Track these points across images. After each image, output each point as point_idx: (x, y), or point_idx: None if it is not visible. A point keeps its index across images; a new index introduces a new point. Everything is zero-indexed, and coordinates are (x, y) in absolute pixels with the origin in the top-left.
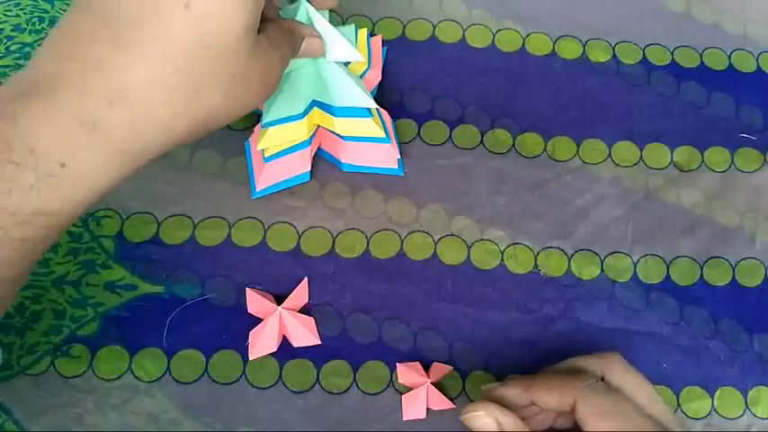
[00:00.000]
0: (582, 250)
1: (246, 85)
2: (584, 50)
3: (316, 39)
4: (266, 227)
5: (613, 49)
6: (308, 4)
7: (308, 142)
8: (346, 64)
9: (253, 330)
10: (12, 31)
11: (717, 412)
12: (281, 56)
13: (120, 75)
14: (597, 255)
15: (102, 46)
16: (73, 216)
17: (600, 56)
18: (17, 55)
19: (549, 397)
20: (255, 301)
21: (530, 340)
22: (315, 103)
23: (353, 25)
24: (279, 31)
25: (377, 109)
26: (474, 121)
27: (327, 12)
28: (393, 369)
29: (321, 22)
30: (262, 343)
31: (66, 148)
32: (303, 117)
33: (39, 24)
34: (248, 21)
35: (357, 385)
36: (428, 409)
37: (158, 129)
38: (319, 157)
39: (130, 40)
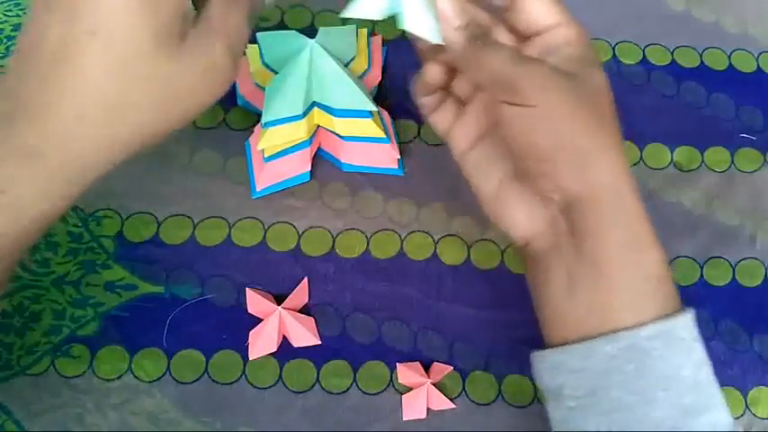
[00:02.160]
0: None
1: (177, 91)
2: None
3: None
4: (266, 227)
5: (613, 49)
6: None
7: (308, 142)
8: (347, 65)
9: (253, 330)
10: (12, 31)
11: None
12: (224, 44)
13: (49, 109)
14: None
15: (30, 84)
16: (22, 241)
17: (600, 56)
18: None
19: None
20: (255, 301)
21: (530, 340)
22: (315, 104)
23: (354, 25)
24: (219, 7)
25: (377, 110)
26: None
27: None
28: (393, 369)
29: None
30: (262, 343)
31: (4, 177)
32: (303, 117)
33: None
34: (156, 26)
35: (357, 385)
36: (428, 409)
37: (93, 152)
38: (319, 157)
39: (52, 76)
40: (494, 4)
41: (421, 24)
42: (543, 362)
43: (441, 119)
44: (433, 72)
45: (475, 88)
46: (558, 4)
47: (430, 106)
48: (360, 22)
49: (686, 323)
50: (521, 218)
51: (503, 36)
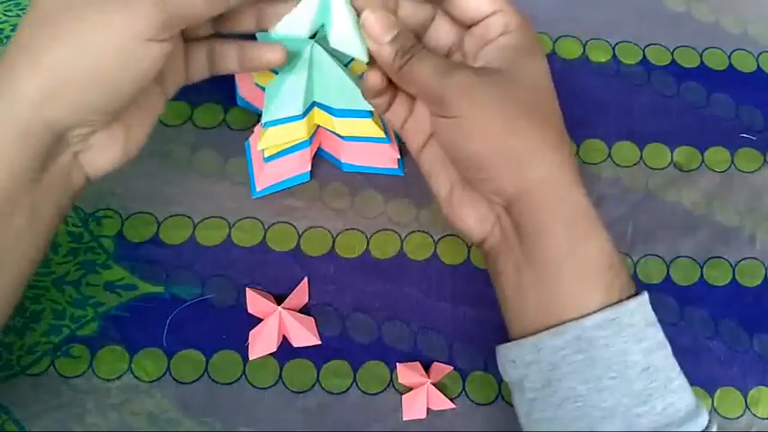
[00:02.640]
0: None
1: (75, 19)
2: (584, 50)
3: None
4: (266, 227)
5: (613, 49)
6: None
7: (308, 142)
8: (347, 65)
9: (253, 330)
10: (12, 31)
11: (717, 412)
12: None
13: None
14: None
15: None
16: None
17: (600, 56)
18: None
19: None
20: (255, 301)
21: None
22: (315, 104)
23: None
24: None
25: None
26: None
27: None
28: (393, 369)
29: (340, 2)
30: (262, 343)
31: None
32: (303, 117)
33: None
34: None
35: (357, 385)
36: (428, 409)
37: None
38: (319, 157)
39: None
40: None
41: (349, 42)
42: (504, 356)
43: (394, 116)
44: (373, 79)
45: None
46: None
47: (382, 105)
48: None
49: (636, 308)
50: (471, 220)
51: (443, 29)
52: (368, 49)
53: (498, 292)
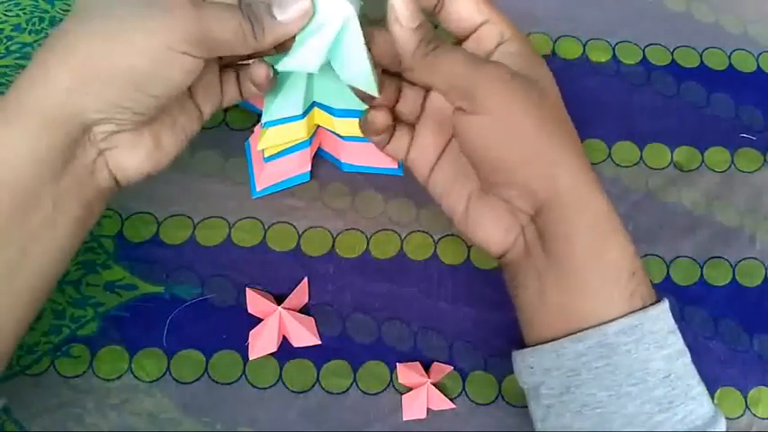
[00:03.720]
0: None
1: (109, 20)
2: (584, 50)
3: None
4: (266, 227)
5: (613, 49)
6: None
7: (308, 142)
8: None
9: (253, 330)
10: (12, 31)
11: None
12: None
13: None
14: None
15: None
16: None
17: (600, 56)
18: (17, 55)
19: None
20: (255, 301)
21: None
22: (315, 104)
23: None
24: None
25: None
26: None
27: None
28: (393, 369)
29: (356, 37)
30: (262, 343)
31: None
32: (303, 117)
33: (39, 24)
34: None
35: (357, 385)
36: (428, 409)
37: (60, 91)
38: (319, 157)
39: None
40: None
41: (361, 77)
42: (521, 362)
43: (396, 149)
44: (381, 119)
45: (421, 106)
46: (482, 1)
47: (382, 142)
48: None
49: (658, 316)
50: (493, 231)
51: None
52: (378, 84)
53: (516, 299)
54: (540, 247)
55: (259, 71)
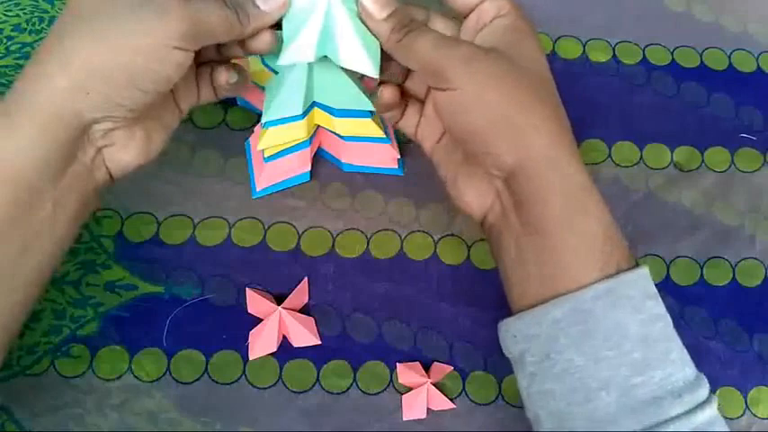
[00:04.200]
0: None
1: (109, 19)
2: (584, 50)
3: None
4: (266, 227)
5: (613, 49)
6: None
7: (308, 142)
8: None
9: (253, 330)
10: (12, 31)
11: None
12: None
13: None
14: None
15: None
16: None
17: (600, 56)
18: (17, 55)
19: None
20: (255, 301)
21: None
22: (315, 104)
23: None
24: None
25: None
26: None
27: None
28: (393, 369)
29: (344, 20)
30: (262, 343)
31: None
32: (303, 117)
33: (39, 24)
34: None
35: (357, 385)
36: (428, 409)
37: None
38: (319, 157)
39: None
40: None
41: (357, 59)
42: (505, 331)
43: (407, 124)
44: (387, 95)
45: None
46: None
47: (395, 117)
48: None
49: (635, 281)
50: (472, 195)
51: (439, 27)
52: (380, 65)
53: (500, 268)
54: (515, 213)
55: (219, 77)
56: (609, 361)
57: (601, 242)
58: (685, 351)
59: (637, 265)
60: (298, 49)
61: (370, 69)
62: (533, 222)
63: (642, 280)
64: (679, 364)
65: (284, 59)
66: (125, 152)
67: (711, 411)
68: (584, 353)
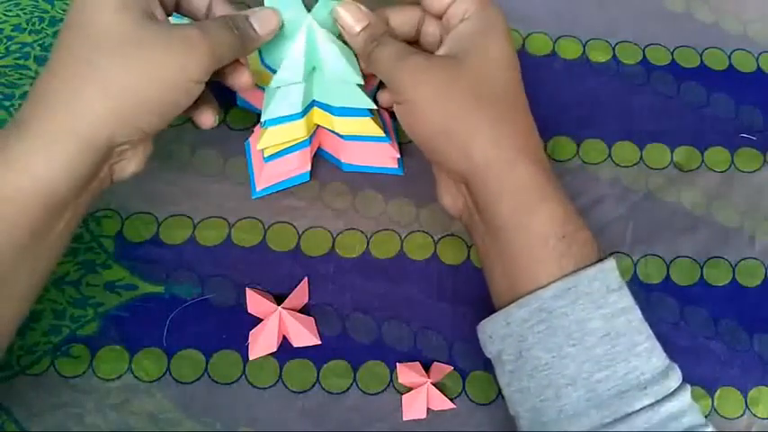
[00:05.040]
0: None
1: (149, 58)
2: (584, 50)
3: (265, 11)
4: (266, 227)
5: (613, 49)
6: (312, 21)
7: (308, 142)
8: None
9: (253, 330)
10: (12, 31)
11: (717, 412)
12: (198, 28)
13: (39, 84)
14: None
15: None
16: (29, 205)
17: (600, 56)
18: (17, 55)
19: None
20: (255, 301)
21: None
22: (314, 103)
23: None
24: (205, 21)
25: (377, 109)
26: None
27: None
28: (393, 369)
29: (324, 40)
30: (262, 343)
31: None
32: (302, 116)
33: (39, 24)
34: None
35: (357, 385)
36: (428, 409)
37: (79, 118)
38: (319, 157)
39: (43, 72)
40: None
41: (342, 71)
42: (482, 333)
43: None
44: (384, 98)
45: None
46: None
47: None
48: None
49: (595, 276)
50: (447, 198)
51: (432, 27)
52: (361, 72)
53: (481, 264)
54: (477, 214)
55: (203, 119)
56: (573, 358)
57: (552, 241)
58: (654, 341)
59: (601, 259)
60: (288, 72)
61: (354, 77)
62: (489, 224)
63: (603, 274)
64: (644, 357)
65: (277, 83)
66: (130, 165)
67: (681, 402)
68: (550, 350)
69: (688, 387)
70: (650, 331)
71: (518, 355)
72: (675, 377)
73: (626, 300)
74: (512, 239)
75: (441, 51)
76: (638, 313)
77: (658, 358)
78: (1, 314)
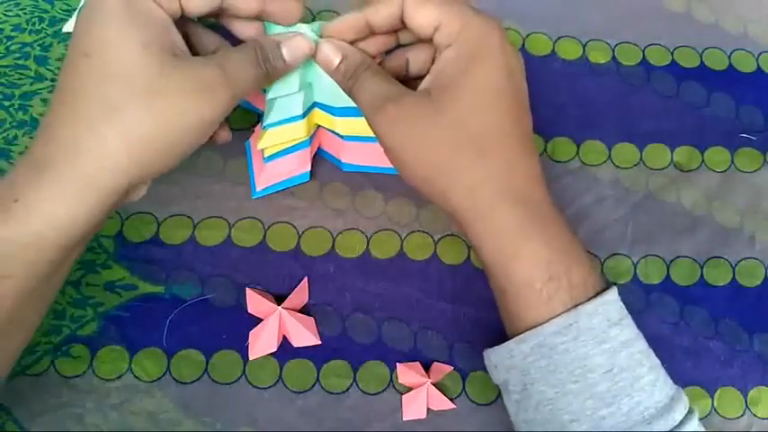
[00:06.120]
0: None
1: (168, 102)
2: (583, 51)
3: (297, 38)
4: (266, 227)
5: (613, 49)
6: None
7: (308, 142)
8: None
9: (253, 330)
10: (12, 31)
11: (717, 412)
12: (217, 68)
13: (54, 122)
14: (597, 257)
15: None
16: (48, 249)
17: (600, 56)
18: (17, 55)
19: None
20: (255, 301)
21: None
22: (315, 104)
23: None
24: (224, 47)
25: None
26: None
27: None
28: (393, 369)
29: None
30: (262, 343)
31: (20, 186)
32: (303, 117)
33: (39, 24)
34: (146, 38)
35: (357, 385)
36: (428, 409)
37: (98, 160)
38: (319, 157)
39: (56, 95)
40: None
41: (330, 95)
42: (487, 361)
43: None
44: None
45: None
46: (434, 3)
47: None
48: None
49: (594, 310)
50: (454, 225)
51: (422, 53)
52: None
53: None
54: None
55: (220, 137)
56: (576, 394)
57: (540, 284)
58: (658, 371)
59: (603, 290)
60: (285, 85)
61: (343, 99)
62: (480, 260)
63: (604, 308)
64: (648, 391)
65: (275, 94)
66: (137, 193)
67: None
68: (554, 386)
69: (695, 415)
70: (655, 360)
71: (523, 387)
72: (681, 408)
73: (628, 331)
74: (499, 281)
75: (423, 85)
76: (642, 343)
77: (661, 390)
78: (6, 349)
